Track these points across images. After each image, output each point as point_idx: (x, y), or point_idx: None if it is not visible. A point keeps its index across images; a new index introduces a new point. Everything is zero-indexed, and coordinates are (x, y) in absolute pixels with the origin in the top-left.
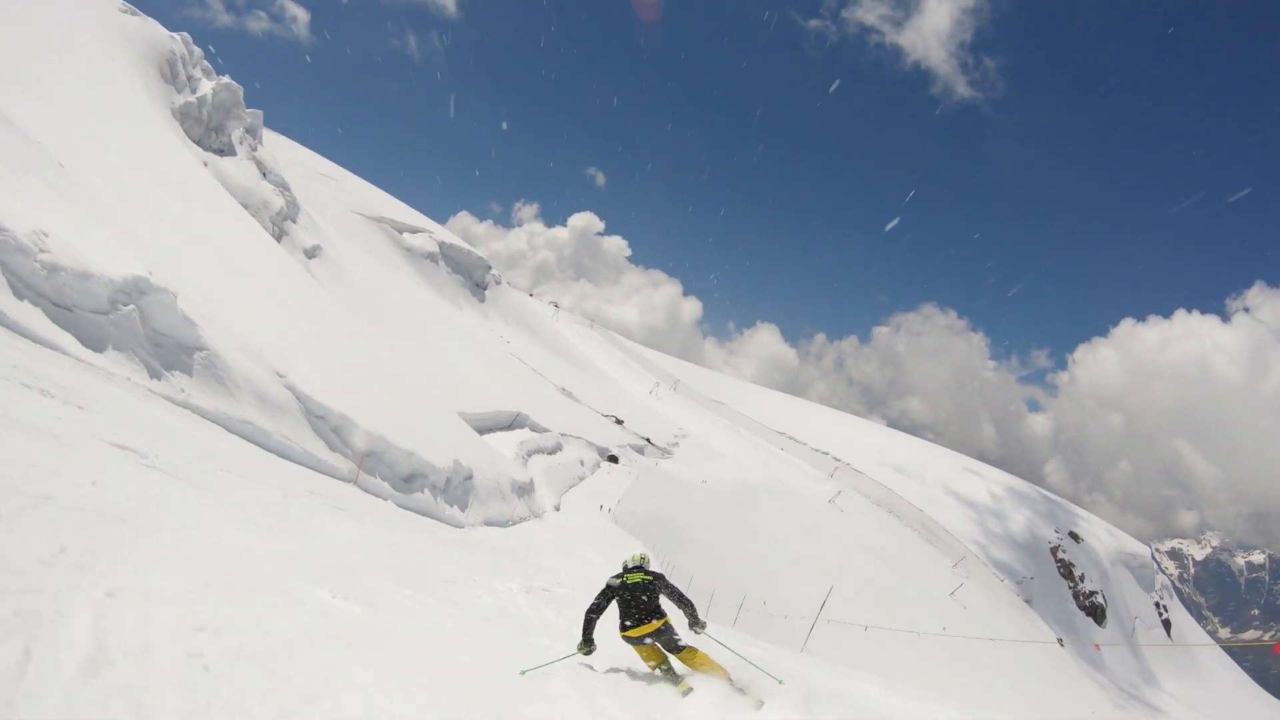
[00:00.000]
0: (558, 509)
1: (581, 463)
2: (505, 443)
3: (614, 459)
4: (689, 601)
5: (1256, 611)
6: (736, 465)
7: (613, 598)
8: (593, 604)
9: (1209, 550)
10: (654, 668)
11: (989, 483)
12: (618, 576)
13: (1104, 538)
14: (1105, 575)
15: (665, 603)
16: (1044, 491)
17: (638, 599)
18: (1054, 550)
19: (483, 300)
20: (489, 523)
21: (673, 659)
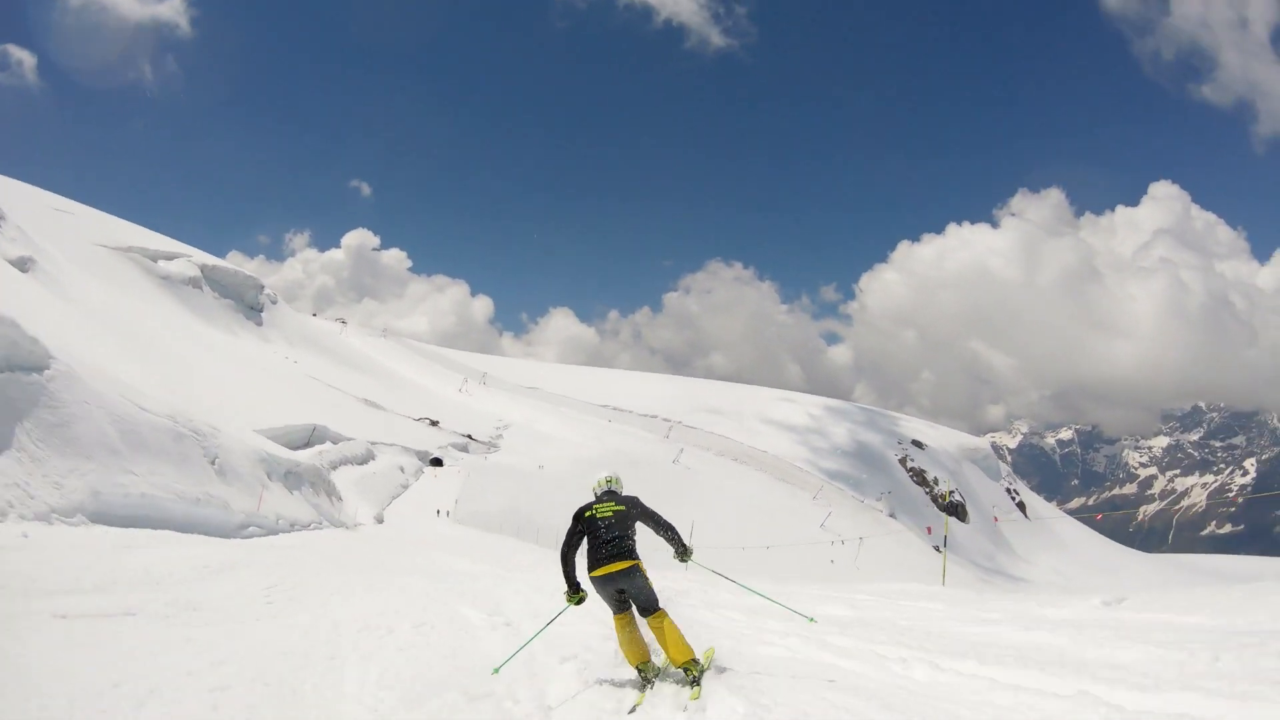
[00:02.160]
0: (380, 520)
1: (401, 469)
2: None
3: (438, 462)
4: (670, 526)
5: (1076, 482)
6: (569, 445)
7: (583, 531)
8: (565, 540)
9: (1020, 437)
10: (641, 675)
11: (805, 407)
12: (587, 506)
13: (944, 439)
14: (955, 474)
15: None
16: (859, 405)
17: (608, 533)
18: (902, 461)
19: (260, 323)
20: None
21: (641, 621)
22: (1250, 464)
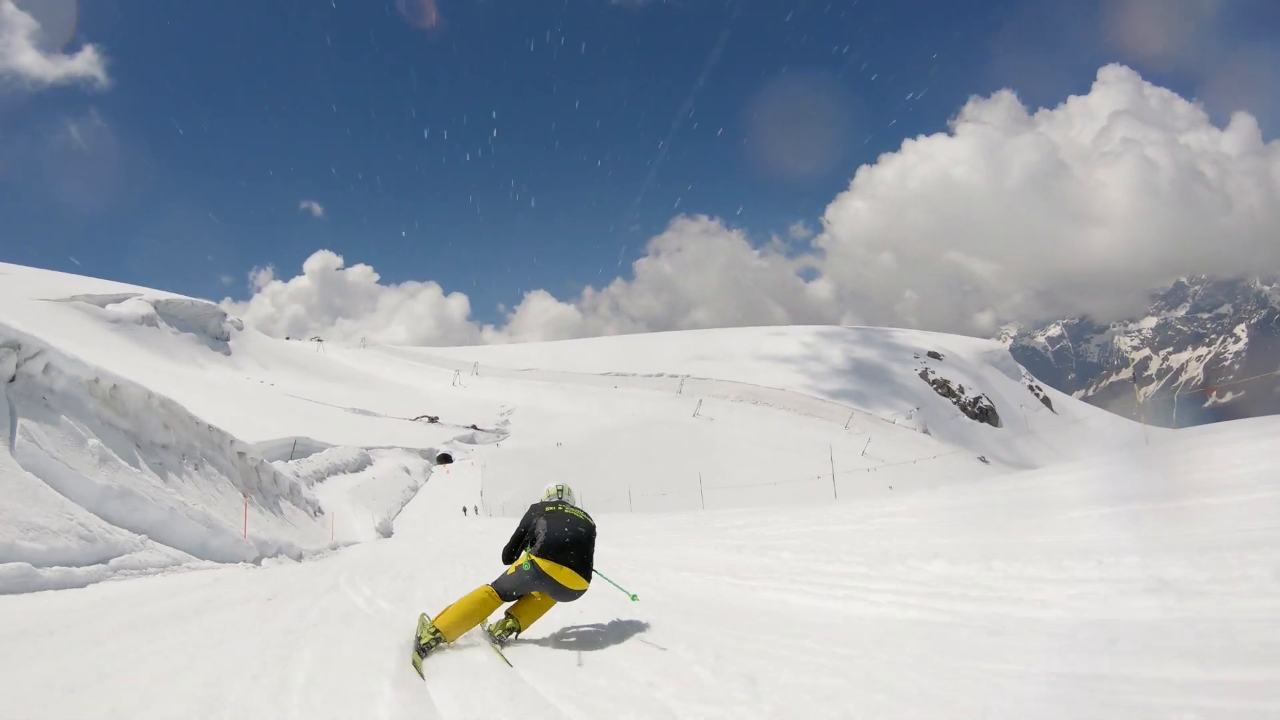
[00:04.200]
0: (386, 533)
1: (408, 471)
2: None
3: (446, 458)
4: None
5: (1073, 376)
6: (581, 418)
7: (536, 524)
8: (512, 541)
9: (1010, 341)
10: (501, 630)
11: (797, 337)
12: (552, 503)
13: (960, 346)
14: (979, 379)
15: None
16: (850, 326)
17: (579, 536)
18: (924, 375)
19: (228, 352)
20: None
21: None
22: (1241, 330)
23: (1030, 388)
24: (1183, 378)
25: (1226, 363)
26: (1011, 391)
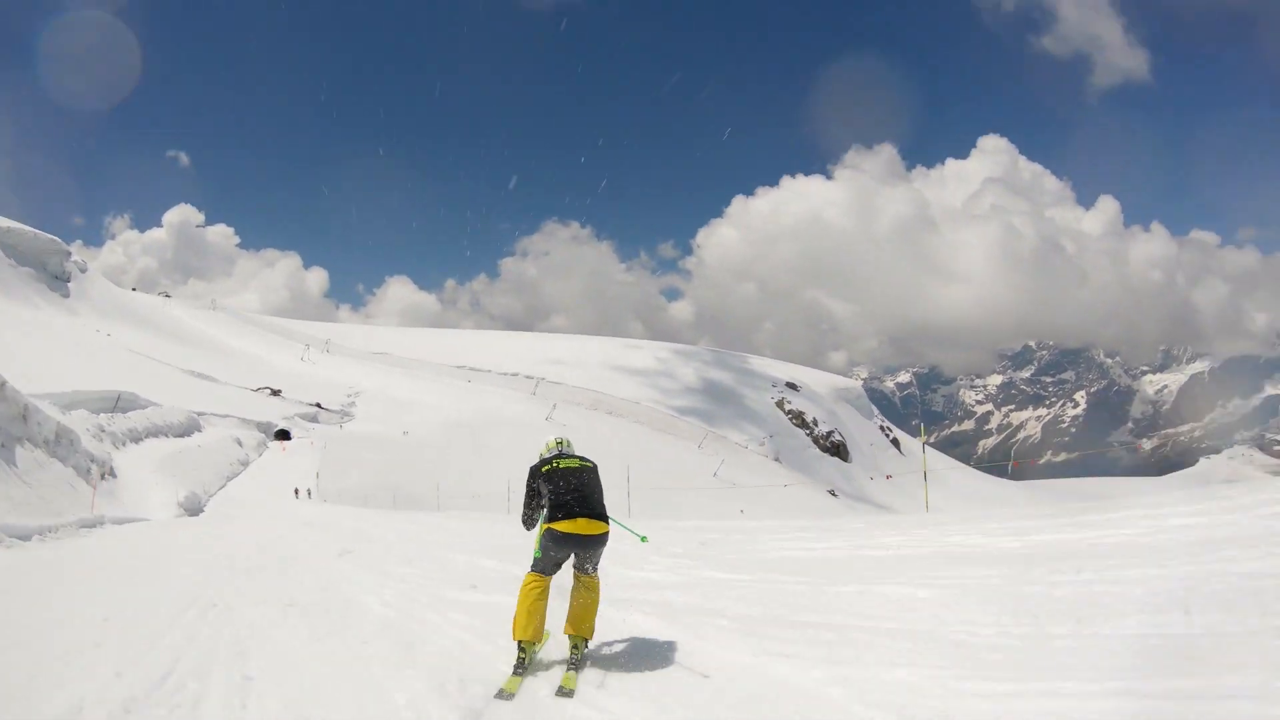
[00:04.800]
0: (194, 510)
1: (239, 443)
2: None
3: (285, 434)
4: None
5: (917, 421)
6: (430, 409)
7: (539, 491)
8: (526, 502)
9: (861, 381)
10: (523, 655)
11: (652, 352)
12: (545, 461)
13: (817, 380)
14: (833, 414)
15: None
16: (706, 348)
17: (581, 484)
18: (780, 404)
19: (66, 294)
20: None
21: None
22: (1080, 396)
23: (881, 428)
24: (1020, 435)
25: (1064, 425)
26: (863, 430)
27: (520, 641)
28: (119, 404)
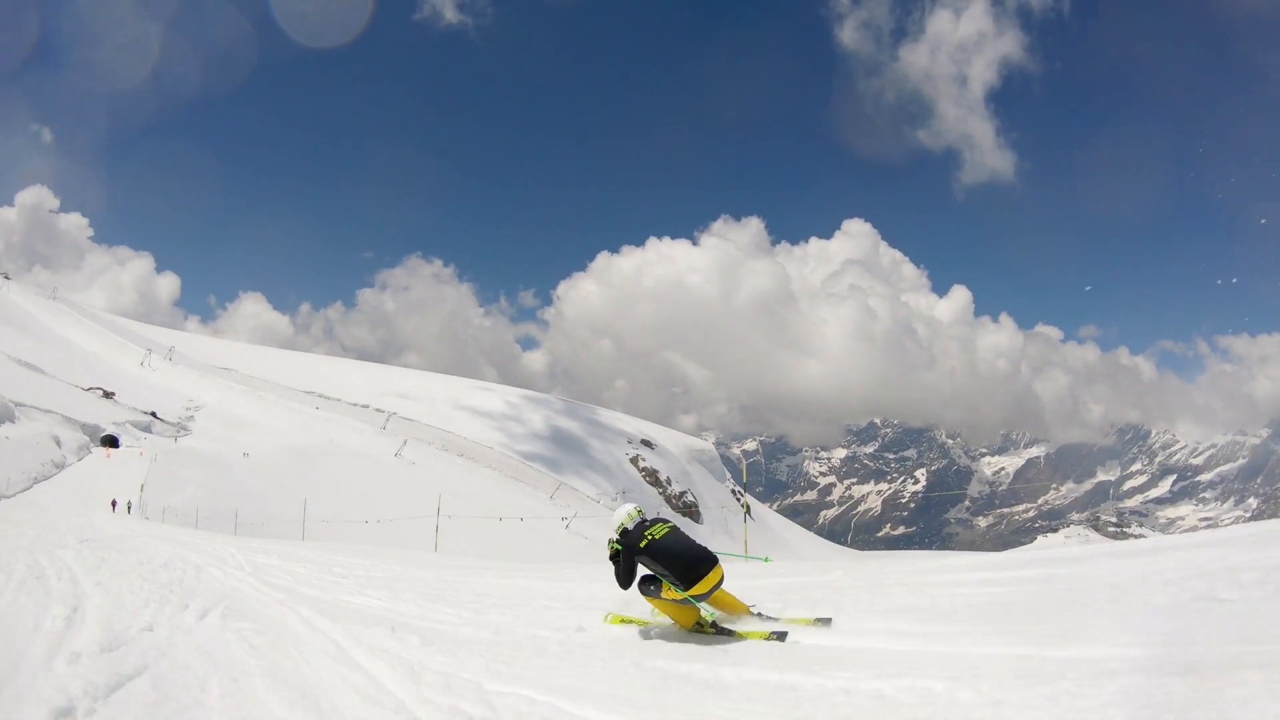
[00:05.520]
0: None
1: (58, 442)
2: None
3: (112, 441)
4: None
5: (761, 489)
6: (274, 432)
7: (647, 564)
8: (625, 571)
9: (709, 446)
10: (696, 627)
11: (502, 395)
12: (638, 536)
13: (671, 440)
14: (685, 474)
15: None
16: (558, 396)
17: (684, 548)
18: (634, 461)
19: None
20: None
21: (704, 606)
22: (921, 474)
23: (733, 491)
24: (861, 507)
25: (904, 500)
26: (714, 492)
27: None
28: None
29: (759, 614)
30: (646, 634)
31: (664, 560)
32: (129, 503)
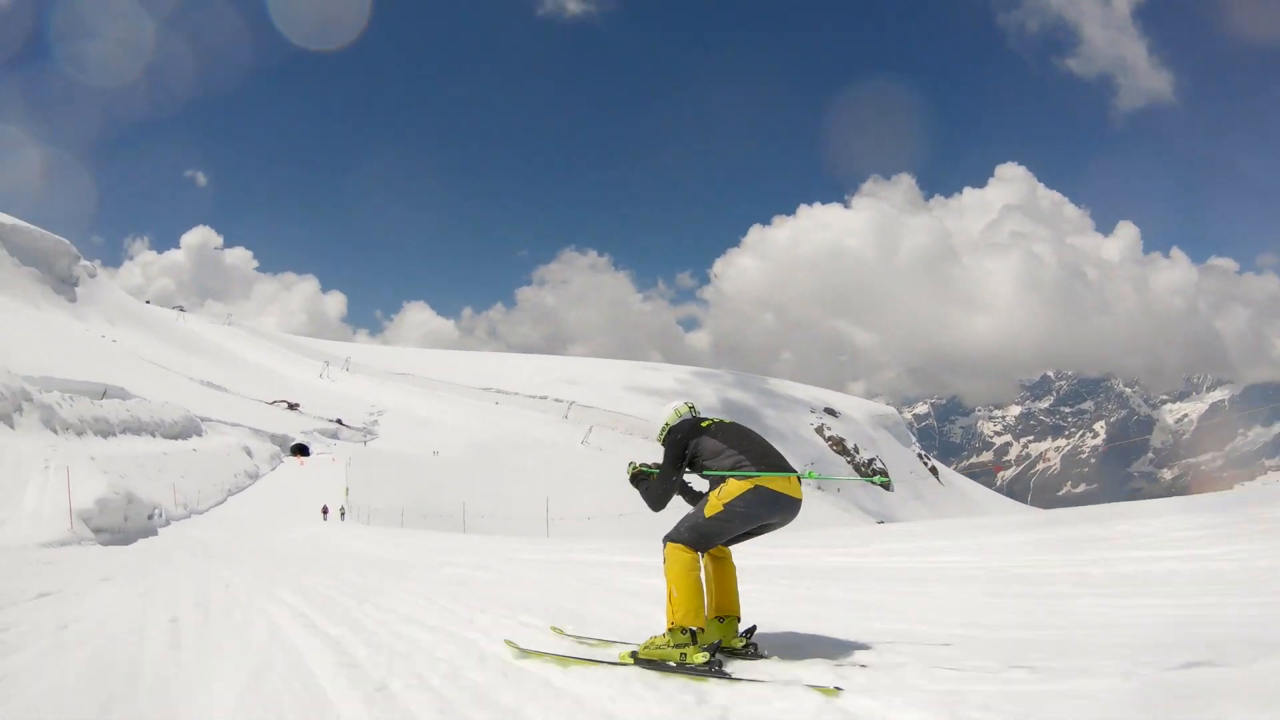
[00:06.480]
0: (122, 532)
1: (249, 452)
2: None
3: (302, 449)
4: None
5: (935, 452)
6: (458, 429)
7: (700, 447)
8: (665, 475)
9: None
10: (691, 649)
11: (672, 374)
12: (694, 420)
13: (855, 407)
14: (871, 440)
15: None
16: (727, 370)
17: (749, 433)
18: (819, 430)
19: (74, 299)
20: None
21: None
22: (1100, 426)
23: (919, 455)
24: (1040, 466)
25: (1083, 455)
26: (900, 457)
27: (695, 629)
28: (106, 396)
29: (750, 644)
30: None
31: (731, 440)
32: (342, 508)
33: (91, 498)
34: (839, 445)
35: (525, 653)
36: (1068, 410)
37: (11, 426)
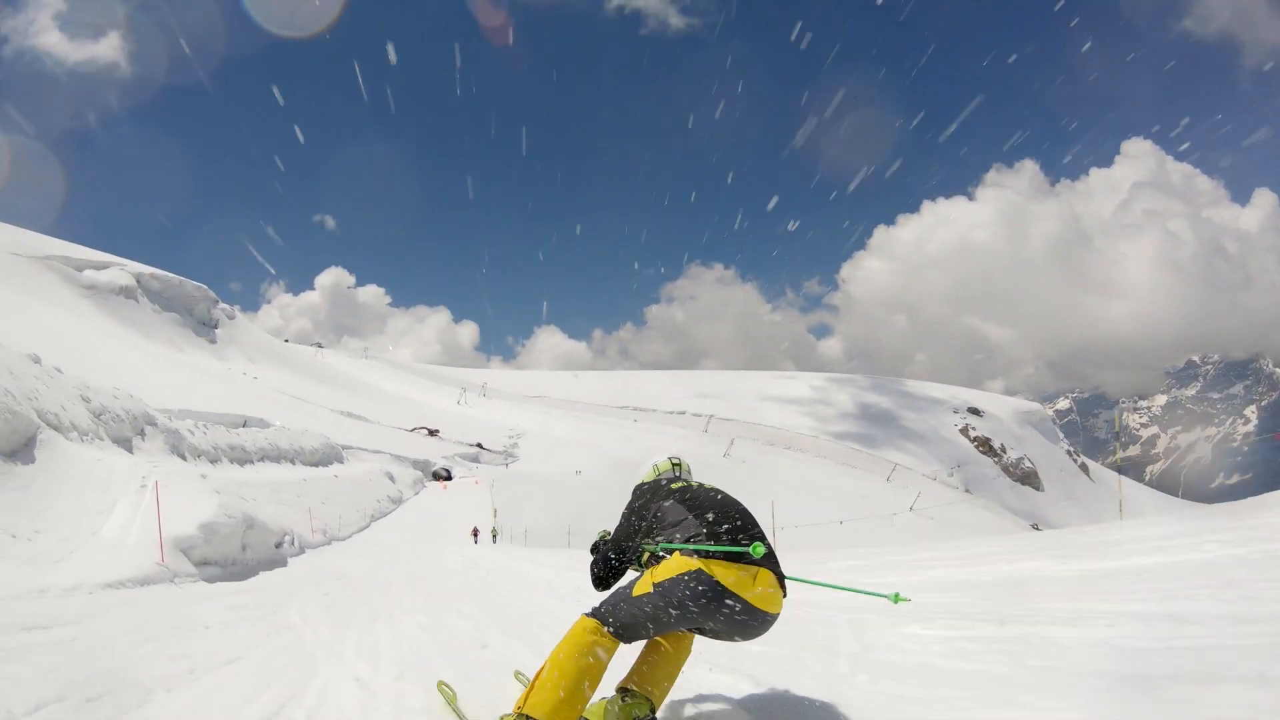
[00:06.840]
0: (236, 566)
1: (391, 478)
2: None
3: (445, 475)
4: None
5: (1082, 447)
6: (597, 449)
7: (661, 512)
8: (609, 546)
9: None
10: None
11: (806, 381)
12: (670, 479)
13: (998, 405)
14: (1019, 439)
15: None
16: (866, 375)
17: (746, 514)
18: (964, 431)
19: (214, 340)
20: None
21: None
22: (1251, 411)
23: (1068, 452)
24: (1190, 458)
25: (1235, 444)
26: (1050, 456)
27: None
28: (246, 426)
29: None
30: None
31: (697, 507)
32: (494, 530)
33: (195, 522)
34: (985, 445)
35: None
36: (1216, 396)
37: (130, 451)
